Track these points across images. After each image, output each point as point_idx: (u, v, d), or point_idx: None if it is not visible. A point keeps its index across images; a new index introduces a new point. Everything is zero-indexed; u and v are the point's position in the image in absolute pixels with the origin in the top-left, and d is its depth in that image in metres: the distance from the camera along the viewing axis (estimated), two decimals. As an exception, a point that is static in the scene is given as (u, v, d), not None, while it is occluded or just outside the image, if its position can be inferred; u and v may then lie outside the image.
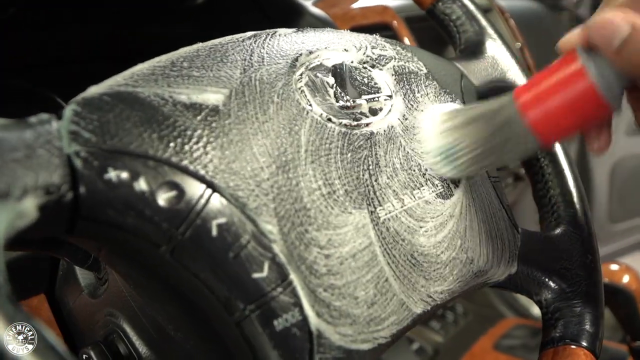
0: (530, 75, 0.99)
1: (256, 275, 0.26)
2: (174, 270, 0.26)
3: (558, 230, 0.44)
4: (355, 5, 0.77)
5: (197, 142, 0.27)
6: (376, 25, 0.74)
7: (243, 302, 0.26)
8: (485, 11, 1.02)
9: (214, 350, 0.30)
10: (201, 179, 0.27)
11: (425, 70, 0.41)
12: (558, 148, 0.47)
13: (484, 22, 0.50)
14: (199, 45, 0.33)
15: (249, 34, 0.35)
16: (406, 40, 0.76)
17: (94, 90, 0.27)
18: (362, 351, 0.29)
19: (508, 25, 1.05)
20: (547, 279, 0.40)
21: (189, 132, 0.27)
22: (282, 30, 0.36)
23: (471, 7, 0.50)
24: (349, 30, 0.41)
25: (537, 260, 0.41)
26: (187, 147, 0.27)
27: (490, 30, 0.49)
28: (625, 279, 0.74)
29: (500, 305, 1.15)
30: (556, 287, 0.40)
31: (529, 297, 0.41)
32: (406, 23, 0.77)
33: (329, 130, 0.32)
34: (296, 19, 0.69)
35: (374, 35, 0.42)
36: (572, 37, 0.32)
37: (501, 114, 0.33)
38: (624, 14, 0.29)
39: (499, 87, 0.47)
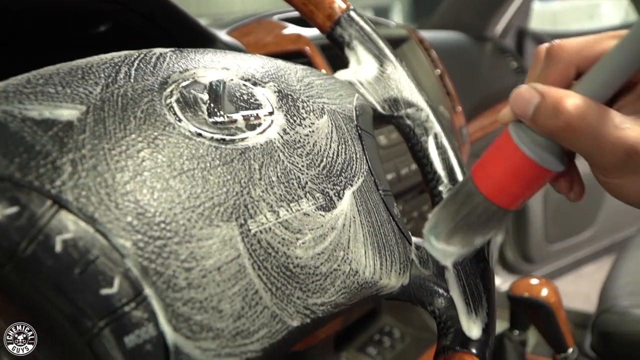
0: (449, 98, 1.01)
1: (105, 291, 0.26)
2: (21, 289, 0.25)
3: None
4: (269, 34, 0.78)
5: (44, 158, 0.27)
6: (290, 52, 0.75)
7: (91, 320, 0.25)
8: (402, 40, 1.05)
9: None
10: (47, 194, 0.26)
11: (314, 89, 0.42)
12: (455, 162, 0.48)
13: (381, 44, 0.51)
14: (63, 64, 0.32)
15: (120, 53, 0.35)
16: (321, 69, 0.78)
17: None
18: None
19: (428, 55, 1.08)
20: (438, 288, 0.41)
21: (37, 148, 0.27)
22: (158, 50, 0.36)
23: (368, 29, 0.51)
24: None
25: (429, 270, 0.41)
26: (33, 163, 0.26)
27: (387, 52, 0.51)
28: (544, 292, 0.76)
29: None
30: (448, 295, 0.40)
31: (424, 307, 0.41)
32: (321, 50, 0.79)
33: (198, 145, 0.32)
34: (206, 47, 0.69)
35: (266, 56, 0.42)
36: (506, 111, 0.35)
37: (462, 190, 0.37)
38: (534, 85, 0.32)
39: (393, 104, 0.48)
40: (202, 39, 0.67)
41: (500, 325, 1.08)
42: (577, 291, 2.04)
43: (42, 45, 0.62)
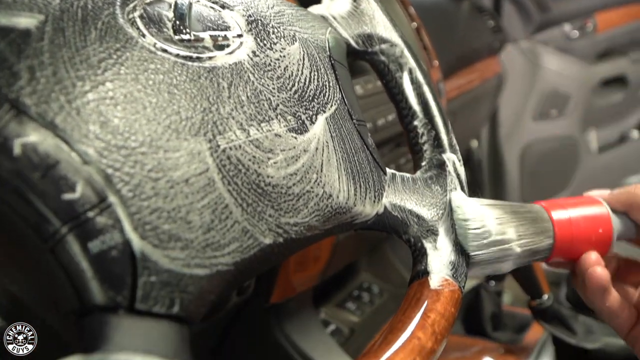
0: (426, 52, 0.99)
1: (67, 196, 0.25)
2: None
3: (428, 174, 0.44)
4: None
5: (1, 63, 0.26)
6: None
7: (53, 226, 0.25)
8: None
9: (43, 291, 0.28)
10: (3, 98, 0.25)
11: (285, 17, 0.41)
12: (429, 97, 0.48)
13: None
14: None
15: None
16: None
17: None
18: (197, 276, 0.27)
19: (406, 10, 1.07)
20: (412, 217, 0.40)
21: None
22: None
23: None
24: None
25: (403, 200, 0.41)
26: None
27: None
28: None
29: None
30: (421, 222, 0.40)
31: (398, 236, 0.41)
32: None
33: (163, 60, 0.31)
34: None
35: None
36: (599, 194, 0.46)
37: (533, 211, 0.43)
38: None
39: (367, 39, 0.47)
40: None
41: (477, 278, 1.10)
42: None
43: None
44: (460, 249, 0.40)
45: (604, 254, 0.44)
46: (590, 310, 0.91)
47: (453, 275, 0.38)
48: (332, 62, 0.42)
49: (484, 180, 1.92)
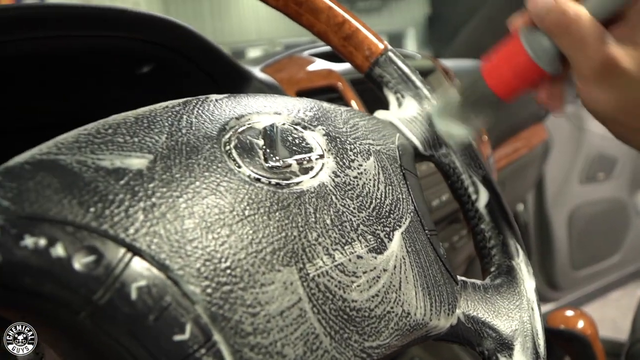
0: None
1: (178, 337, 0.26)
2: (95, 336, 0.26)
3: (498, 281, 0.45)
4: (301, 70, 0.80)
5: (118, 206, 0.28)
6: (322, 88, 0.76)
7: None
8: (428, 72, 1.06)
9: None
10: (121, 243, 0.27)
11: (359, 131, 0.43)
12: (495, 201, 0.49)
13: (419, 84, 0.52)
14: (128, 113, 0.34)
15: (180, 100, 0.36)
16: (352, 102, 0.79)
17: (16, 159, 0.28)
18: None
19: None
20: (487, 329, 0.41)
21: (110, 197, 0.28)
22: (213, 96, 0.38)
23: (406, 70, 0.52)
24: (295, 94, 0.42)
25: (476, 311, 0.41)
26: (107, 212, 0.27)
27: (425, 92, 0.52)
28: (580, 324, 0.75)
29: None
30: (496, 336, 0.40)
31: (472, 348, 0.41)
32: (352, 85, 0.80)
33: (257, 190, 0.33)
34: (243, 84, 0.71)
35: (312, 99, 0.43)
36: (517, 16, 0.44)
37: (470, 79, 0.46)
38: None
39: (434, 143, 0.49)
40: (238, 77, 0.69)
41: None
42: (604, 317, 2.00)
43: (88, 87, 0.64)
44: None
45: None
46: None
47: None
48: (403, 171, 0.44)
49: (531, 244, 1.89)
